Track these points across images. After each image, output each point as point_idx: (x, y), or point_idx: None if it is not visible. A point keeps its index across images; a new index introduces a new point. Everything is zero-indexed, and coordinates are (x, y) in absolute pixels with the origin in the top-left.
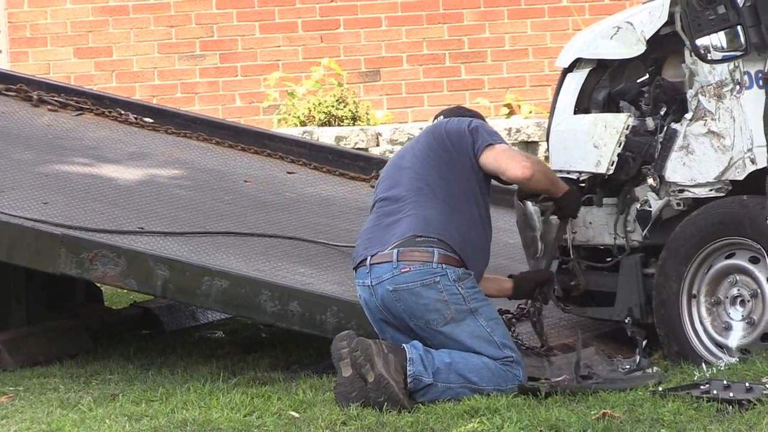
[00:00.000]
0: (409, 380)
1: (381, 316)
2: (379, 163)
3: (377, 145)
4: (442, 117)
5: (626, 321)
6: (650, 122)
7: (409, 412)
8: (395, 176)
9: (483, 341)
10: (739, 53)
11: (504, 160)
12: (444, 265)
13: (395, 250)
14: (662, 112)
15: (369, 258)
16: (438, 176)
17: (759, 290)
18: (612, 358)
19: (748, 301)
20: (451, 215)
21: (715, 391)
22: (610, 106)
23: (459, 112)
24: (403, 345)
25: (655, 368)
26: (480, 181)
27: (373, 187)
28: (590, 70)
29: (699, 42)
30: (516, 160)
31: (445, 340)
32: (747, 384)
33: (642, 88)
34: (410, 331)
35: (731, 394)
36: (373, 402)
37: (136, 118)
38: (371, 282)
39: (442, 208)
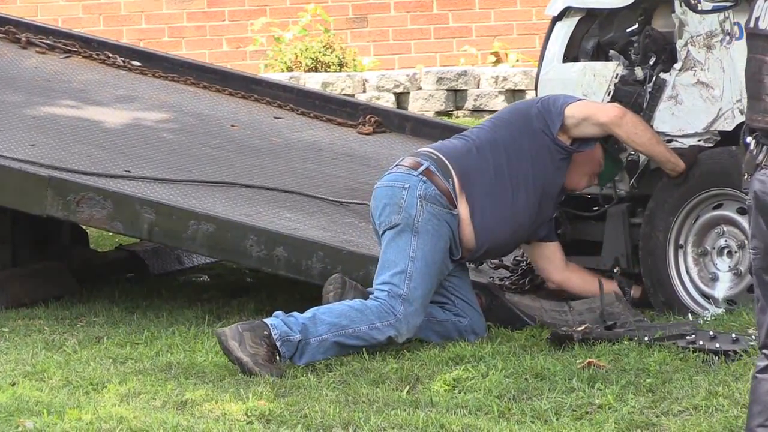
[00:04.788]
0: (278, 344)
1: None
2: (366, 109)
3: (364, 91)
4: None
5: (614, 271)
6: (639, 72)
7: (276, 377)
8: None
9: (399, 259)
10: (729, 4)
11: (593, 104)
12: (424, 178)
13: (401, 158)
14: (651, 62)
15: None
16: (508, 134)
17: (746, 241)
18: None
19: (735, 252)
20: (477, 160)
21: (701, 342)
22: (599, 55)
23: None
24: (265, 319)
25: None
26: (540, 170)
27: (360, 133)
28: (580, 19)
29: None
30: (606, 105)
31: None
32: (733, 335)
33: (631, 38)
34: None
35: (717, 345)
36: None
37: (123, 62)
38: None
39: (477, 152)
